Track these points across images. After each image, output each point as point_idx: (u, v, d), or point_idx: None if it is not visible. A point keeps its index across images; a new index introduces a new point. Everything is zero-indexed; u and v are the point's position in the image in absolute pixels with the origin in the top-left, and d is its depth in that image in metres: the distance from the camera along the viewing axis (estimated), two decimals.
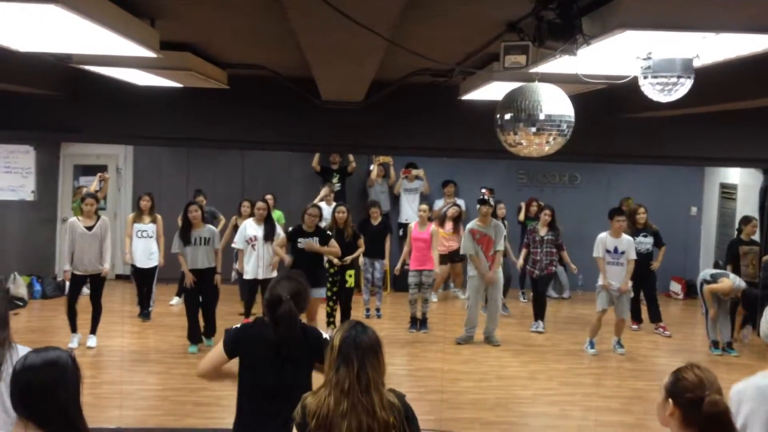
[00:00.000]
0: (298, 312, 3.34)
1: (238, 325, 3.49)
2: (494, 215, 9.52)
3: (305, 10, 2.13)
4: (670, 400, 2.39)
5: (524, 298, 10.76)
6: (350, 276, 8.58)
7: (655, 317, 9.43)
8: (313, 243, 7.81)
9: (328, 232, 8.10)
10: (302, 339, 3.36)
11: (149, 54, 3.24)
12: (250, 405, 3.37)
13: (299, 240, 7.81)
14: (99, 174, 10.13)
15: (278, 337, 3.30)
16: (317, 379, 3.01)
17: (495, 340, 8.62)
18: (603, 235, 8.41)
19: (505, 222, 10.12)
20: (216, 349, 3.41)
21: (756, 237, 9.19)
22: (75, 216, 8.34)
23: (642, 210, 9.34)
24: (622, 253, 8.31)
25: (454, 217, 10.13)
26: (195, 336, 8.02)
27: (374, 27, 2.31)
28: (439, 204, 11.09)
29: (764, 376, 2.80)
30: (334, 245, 7.98)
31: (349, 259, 8.48)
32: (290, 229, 8.13)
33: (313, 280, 7.64)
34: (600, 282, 8.33)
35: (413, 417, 2.70)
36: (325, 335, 3.48)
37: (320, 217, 8.02)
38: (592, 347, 8.38)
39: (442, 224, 9.99)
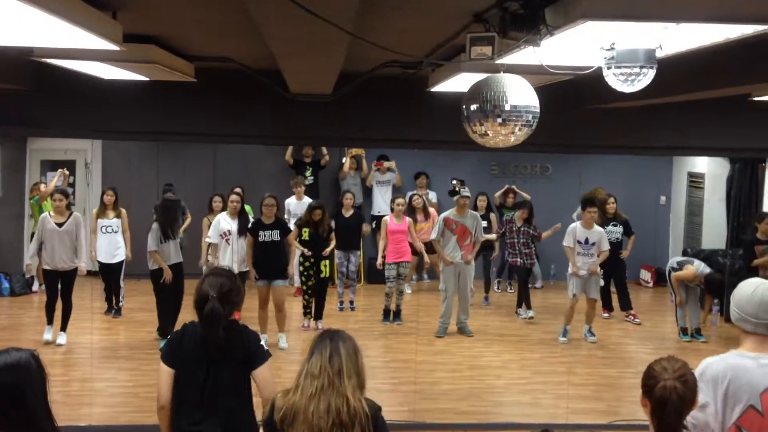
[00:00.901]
0: (230, 309, 3.23)
1: (168, 337, 3.38)
2: (475, 208, 9.61)
3: (264, 0, 2.11)
4: (642, 388, 2.52)
5: (498, 288, 10.83)
6: (325, 266, 8.67)
7: (626, 305, 9.55)
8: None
9: (288, 225, 8.14)
10: (239, 341, 3.25)
11: (111, 47, 3.19)
12: (182, 412, 3.23)
13: (260, 233, 7.78)
14: (60, 170, 9.89)
15: (204, 337, 3.19)
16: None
17: (468, 330, 8.67)
18: (574, 225, 8.53)
19: (492, 213, 10.22)
20: (160, 373, 3.28)
21: None
22: (32, 212, 8.19)
23: (612, 200, 9.46)
24: (593, 244, 8.40)
25: (419, 207, 10.15)
26: (167, 331, 7.98)
27: (334, 17, 2.29)
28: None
29: (738, 355, 2.86)
30: (291, 241, 8.05)
31: (327, 251, 8.62)
32: (250, 225, 8.04)
33: (277, 271, 7.78)
34: (570, 271, 8.44)
35: (383, 427, 2.63)
36: (263, 342, 3.41)
37: (277, 206, 7.99)
38: (564, 335, 8.47)
39: (412, 217, 10.03)
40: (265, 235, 7.78)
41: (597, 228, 8.56)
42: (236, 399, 3.25)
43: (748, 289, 2.85)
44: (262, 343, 3.38)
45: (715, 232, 10.77)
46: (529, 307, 9.47)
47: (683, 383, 2.44)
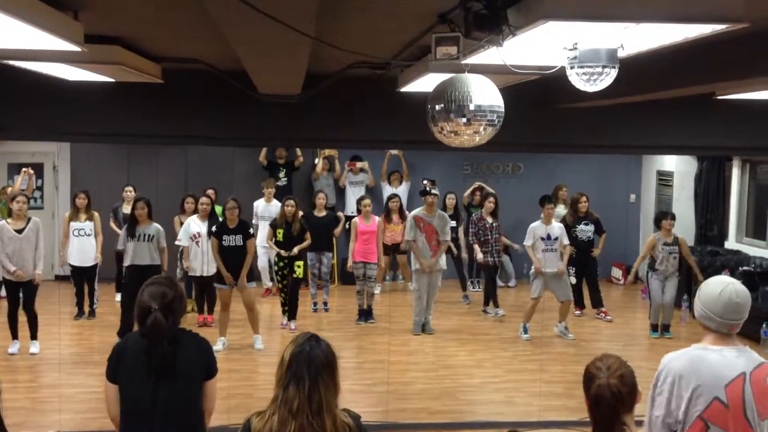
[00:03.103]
0: (174, 320, 3.10)
1: (113, 348, 3.23)
2: (444, 207, 9.61)
3: (223, 3, 2.09)
4: (583, 389, 2.56)
5: (474, 287, 10.86)
6: (299, 267, 8.65)
7: (597, 303, 9.65)
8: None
9: (251, 229, 8.03)
10: (191, 352, 3.15)
11: (73, 48, 3.14)
12: (132, 427, 3.14)
13: (224, 237, 7.74)
14: (24, 170, 9.61)
15: (148, 350, 3.08)
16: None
17: (429, 328, 8.70)
18: (536, 223, 8.63)
19: (460, 212, 10.26)
20: (105, 387, 3.19)
21: None
22: (2, 217, 7.95)
23: (584, 198, 9.55)
24: (555, 239, 8.51)
25: (395, 209, 10.15)
26: (122, 334, 7.92)
27: (293, 21, 2.28)
28: (387, 190, 11.12)
29: (700, 348, 2.89)
30: (252, 244, 7.91)
31: (296, 249, 8.54)
32: (213, 228, 7.94)
33: (240, 275, 7.69)
34: (534, 270, 8.50)
35: None
36: (220, 345, 3.28)
37: (240, 209, 7.90)
38: (526, 332, 8.53)
39: (388, 218, 10.02)
40: (229, 240, 7.75)
41: (556, 223, 8.70)
42: (189, 412, 3.14)
43: (716, 288, 2.85)
44: (215, 350, 3.29)
45: (684, 230, 10.89)
46: (497, 305, 9.54)
47: (618, 380, 2.48)
